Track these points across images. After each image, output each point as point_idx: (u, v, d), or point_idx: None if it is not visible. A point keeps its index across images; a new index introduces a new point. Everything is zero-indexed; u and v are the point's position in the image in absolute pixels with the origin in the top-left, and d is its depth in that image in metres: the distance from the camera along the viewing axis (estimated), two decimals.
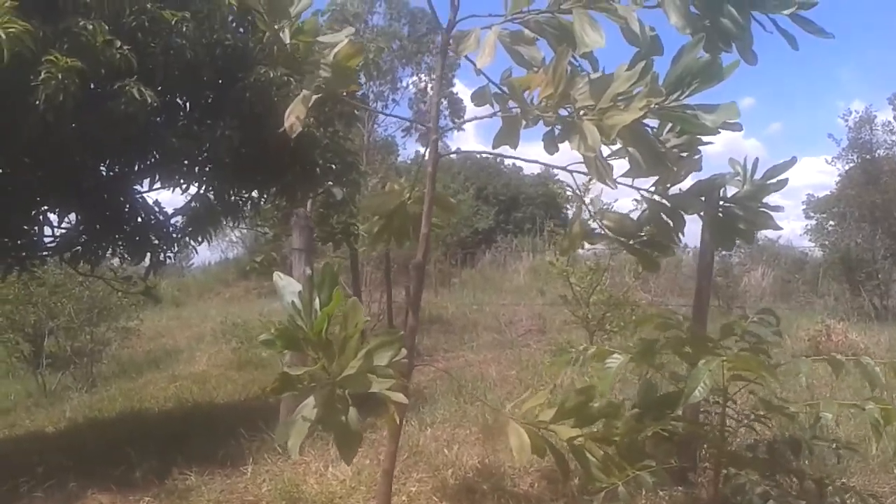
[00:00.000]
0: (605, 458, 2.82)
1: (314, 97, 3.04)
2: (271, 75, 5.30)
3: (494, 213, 27.77)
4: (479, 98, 3.42)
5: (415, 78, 24.71)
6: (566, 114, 2.64)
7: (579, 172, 3.28)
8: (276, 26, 2.97)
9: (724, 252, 14.45)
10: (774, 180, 3.37)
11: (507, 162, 33.49)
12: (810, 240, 20.36)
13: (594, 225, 3.43)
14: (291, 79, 5.62)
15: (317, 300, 2.33)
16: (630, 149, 2.94)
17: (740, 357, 2.61)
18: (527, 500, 4.11)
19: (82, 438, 6.58)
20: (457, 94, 25.74)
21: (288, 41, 2.95)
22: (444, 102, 24.18)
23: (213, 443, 5.47)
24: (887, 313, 14.03)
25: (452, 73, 23.48)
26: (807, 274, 17.49)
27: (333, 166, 7.05)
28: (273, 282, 2.58)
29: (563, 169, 3.27)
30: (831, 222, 18.82)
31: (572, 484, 3.83)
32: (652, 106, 2.31)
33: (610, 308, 8.53)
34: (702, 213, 3.37)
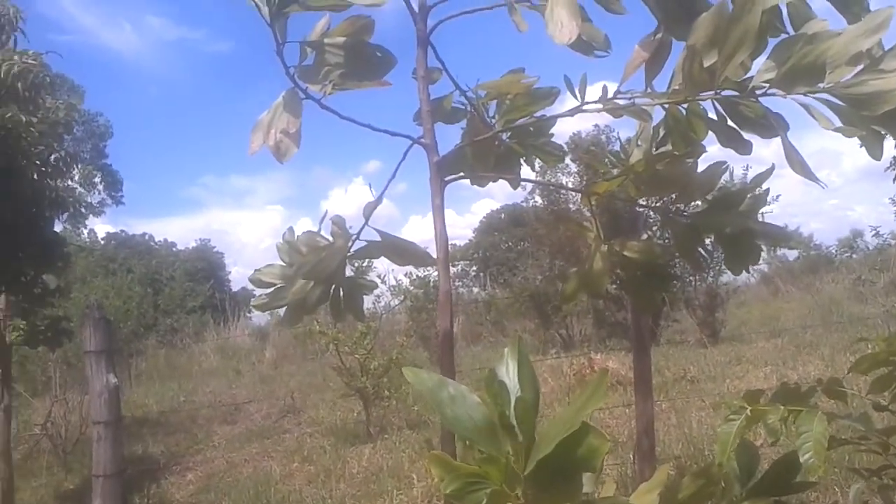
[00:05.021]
0: None
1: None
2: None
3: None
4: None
5: None
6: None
7: (567, 189, 2.62)
8: None
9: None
10: (761, 190, 3.09)
11: (158, 238, 30.81)
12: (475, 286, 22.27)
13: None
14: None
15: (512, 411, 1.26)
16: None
17: None
18: None
19: None
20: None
21: None
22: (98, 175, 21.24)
23: None
24: (573, 341, 15.49)
25: None
26: (493, 315, 18.61)
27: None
28: None
29: (561, 188, 2.57)
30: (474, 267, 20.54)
31: None
32: None
33: (386, 372, 7.76)
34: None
